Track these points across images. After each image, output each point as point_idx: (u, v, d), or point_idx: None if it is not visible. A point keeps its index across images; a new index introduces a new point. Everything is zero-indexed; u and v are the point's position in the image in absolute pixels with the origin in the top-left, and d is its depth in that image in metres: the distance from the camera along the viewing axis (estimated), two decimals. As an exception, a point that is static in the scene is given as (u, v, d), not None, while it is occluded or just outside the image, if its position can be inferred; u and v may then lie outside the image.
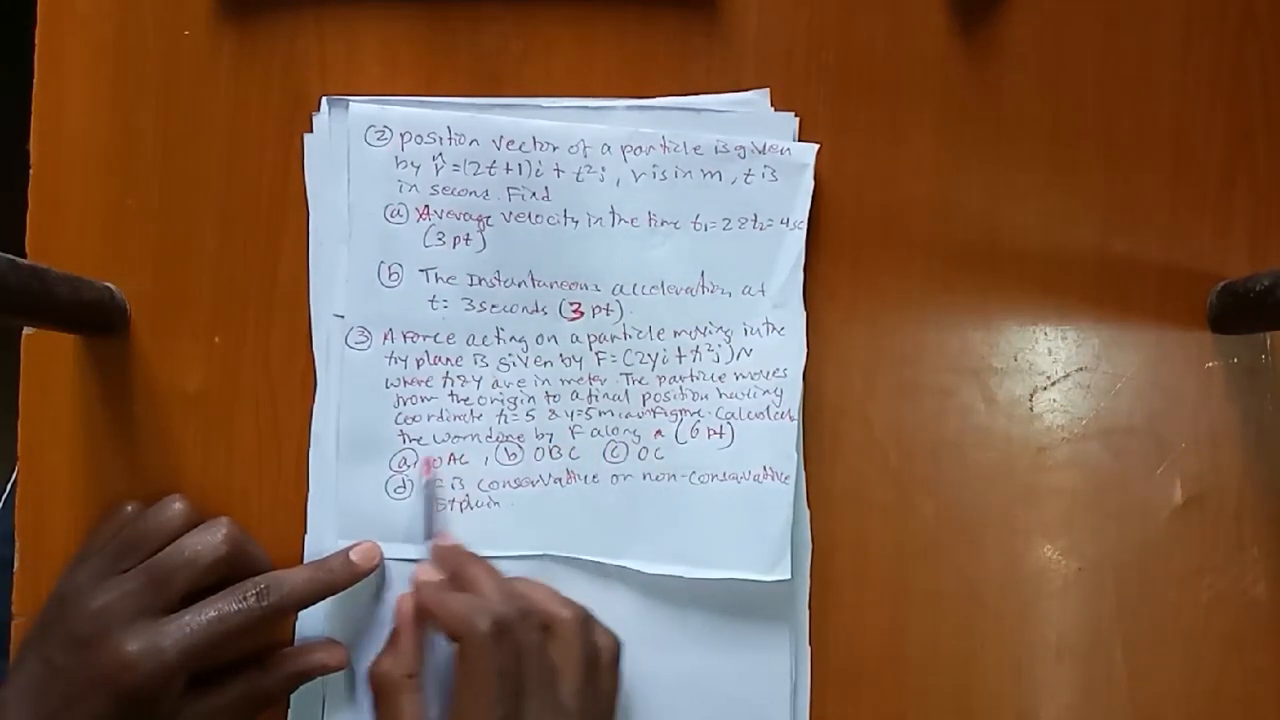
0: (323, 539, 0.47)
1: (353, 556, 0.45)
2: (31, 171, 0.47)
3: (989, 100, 0.49)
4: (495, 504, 0.47)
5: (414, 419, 0.47)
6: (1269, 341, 0.49)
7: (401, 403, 0.47)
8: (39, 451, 0.47)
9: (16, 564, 0.46)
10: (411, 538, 0.46)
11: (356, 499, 0.46)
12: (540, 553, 0.47)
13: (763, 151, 0.47)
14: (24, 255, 0.46)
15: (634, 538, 0.47)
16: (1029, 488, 0.48)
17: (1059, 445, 0.49)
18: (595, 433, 0.47)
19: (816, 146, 0.47)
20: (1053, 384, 0.49)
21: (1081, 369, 0.49)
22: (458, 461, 0.47)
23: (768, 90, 0.48)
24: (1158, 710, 0.48)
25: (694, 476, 0.47)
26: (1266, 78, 0.49)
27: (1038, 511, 0.48)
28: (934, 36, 0.49)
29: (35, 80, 0.47)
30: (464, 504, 0.47)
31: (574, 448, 0.47)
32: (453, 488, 0.47)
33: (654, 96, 0.48)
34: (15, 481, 0.47)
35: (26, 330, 0.47)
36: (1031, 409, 0.49)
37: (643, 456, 0.47)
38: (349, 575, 0.45)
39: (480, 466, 0.47)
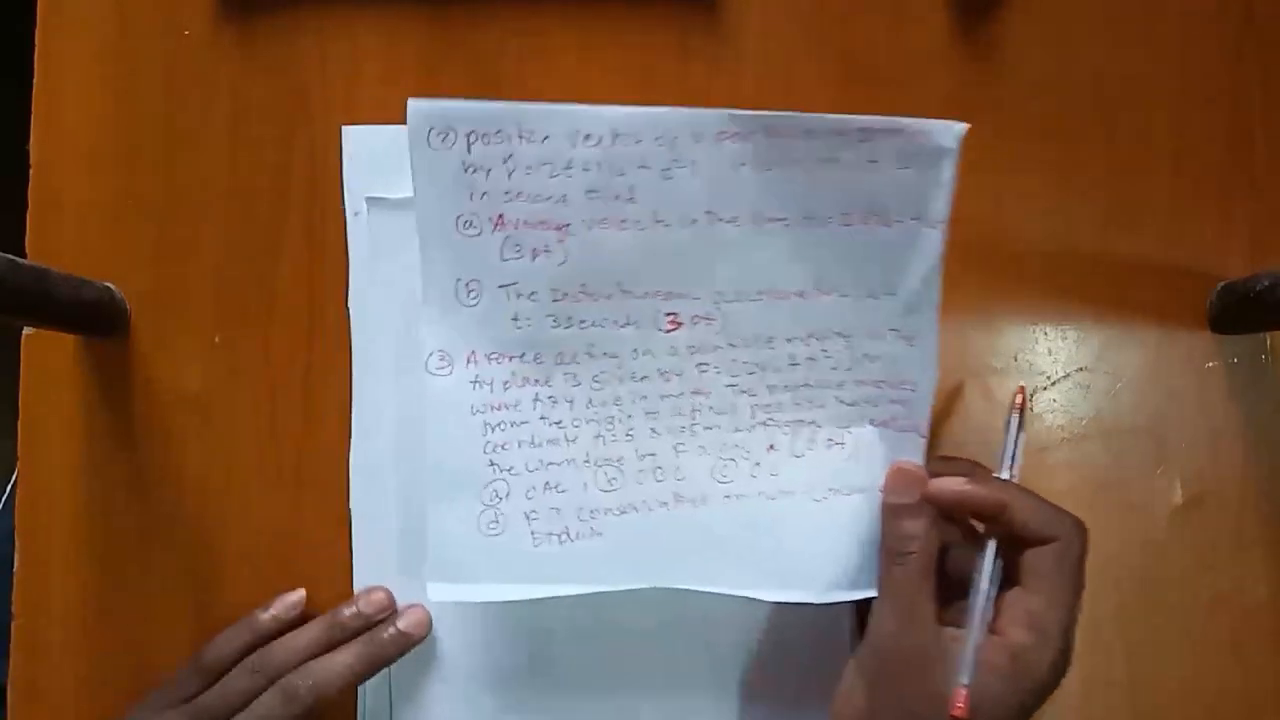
0: (379, 580, 0.46)
1: (403, 627, 0.45)
2: (31, 171, 0.47)
3: (989, 100, 0.49)
4: (598, 534, 0.43)
5: (504, 446, 0.42)
6: (1269, 341, 0.49)
7: (489, 430, 0.42)
8: (39, 451, 0.47)
9: (16, 564, 0.46)
10: (508, 578, 0.42)
11: (448, 539, 0.42)
12: (652, 585, 0.42)
13: (893, 132, 0.39)
14: (24, 255, 0.46)
15: (750, 563, 0.43)
16: (1029, 488, 0.48)
17: (1059, 445, 0.48)
18: (701, 450, 0.43)
19: (965, 126, 0.38)
20: (1053, 384, 0.49)
21: (1081, 369, 0.49)
22: (554, 490, 0.42)
23: None
24: (1158, 710, 0.48)
25: (814, 493, 0.43)
26: (1266, 78, 0.49)
27: (1038, 511, 0.48)
28: (935, 36, 0.49)
29: (35, 80, 0.47)
30: (563, 536, 0.42)
31: (679, 468, 0.43)
32: (550, 519, 0.42)
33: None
34: (15, 481, 0.47)
35: (26, 330, 0.47)
36: (1031, 409, 0.49)
37: (755, 474, 0.43)
38: (399, 648, 0.44)
39: (579, 494, 0.42)
